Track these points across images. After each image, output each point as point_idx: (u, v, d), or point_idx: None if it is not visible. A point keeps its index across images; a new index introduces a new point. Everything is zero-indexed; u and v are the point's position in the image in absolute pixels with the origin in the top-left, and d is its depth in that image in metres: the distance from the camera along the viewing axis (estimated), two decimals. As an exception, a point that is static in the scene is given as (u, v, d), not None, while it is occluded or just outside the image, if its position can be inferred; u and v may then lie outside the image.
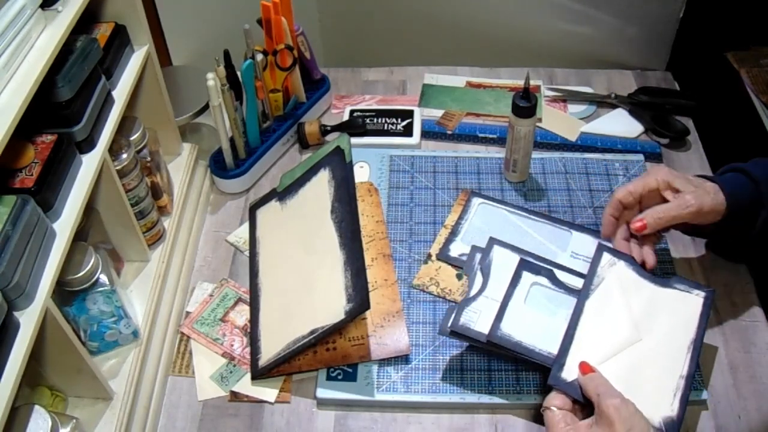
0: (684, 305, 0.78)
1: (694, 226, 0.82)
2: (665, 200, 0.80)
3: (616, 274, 0.80)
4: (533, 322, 0.77)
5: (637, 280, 0.80)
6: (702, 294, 0.79)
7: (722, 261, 0.91)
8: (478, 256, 0.83)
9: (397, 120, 1.10)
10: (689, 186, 0.79)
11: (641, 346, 0.75)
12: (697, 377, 0.78)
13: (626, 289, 0.79)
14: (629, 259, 0.81)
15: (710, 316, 0.79)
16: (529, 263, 0.81)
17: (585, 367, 0.72)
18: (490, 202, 0.97)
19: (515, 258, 0.82)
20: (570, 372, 0.73)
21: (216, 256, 0.96)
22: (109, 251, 0.83)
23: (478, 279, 0.81)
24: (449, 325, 0.76)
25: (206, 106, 1.03)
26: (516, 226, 0.93)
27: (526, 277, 0.80)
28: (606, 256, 0.81)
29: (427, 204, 0.98)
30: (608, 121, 1.11)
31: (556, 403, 0.71)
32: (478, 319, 0.77)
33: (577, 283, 0.80)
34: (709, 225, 0.80)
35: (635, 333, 0.75)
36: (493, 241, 0.84)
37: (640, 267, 0.81)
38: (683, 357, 0.74)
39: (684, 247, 0.93)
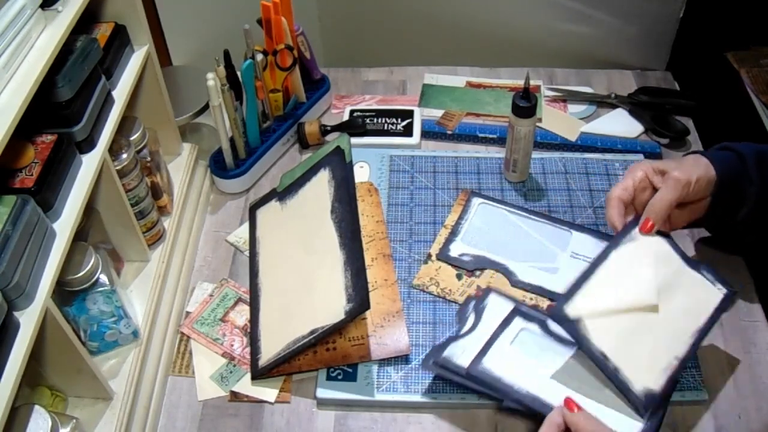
0: (704, 293, 0.77)
1: (691, 213, 0.82)
2: (655, 189, 0.81)
3: (650, 239, 0.79)
4: (517, 363, 0.75)
5: (669, 252, 0.79)
6: (724, 290, 0.78)
7: (722, 261, 0.91)
8: (473, 302, 0.83)
9: (397, 120, 1.10)
10: (672, 163, 0.80)
11: (650, 315, 0.75)
12: (697, 377, 0.78)
13: (657, 255, 0.78)
14: (667, 234, 0.81)
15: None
16: (523, 311, 0.79)
17: (571, 405, 0.69)
18: (490, 202, 0.97)
19: (510, 305, 0.81)
20: (575, 309, 0.73)
21: (216, 256, 0.96)
22: (109, 251, 0.83)
23: (470, 320, 0.80)
24: (431, 360, 0.76)
25: (206, 106, 1.03)
26: (516, 226, 0.93)
27: (518, 321, 0.78)
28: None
29: (427, 204, 0.98)
30: (608, 121, 1.11)
31: None
32: (462, 354, 0.76)
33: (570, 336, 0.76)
34: (703, 206, 0.81)
35: (654, 299, 0.75)
36: (490, 290, 0.84)
37: (676, 243, 0.80)
38: (685, 340, 0.74)
39: (684, 247, 0.92)
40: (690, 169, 0.79)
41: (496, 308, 0.81)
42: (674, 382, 0.72)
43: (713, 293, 0.78)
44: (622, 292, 0.76)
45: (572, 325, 0.73)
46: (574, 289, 0.75)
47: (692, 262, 0.79)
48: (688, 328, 0.75)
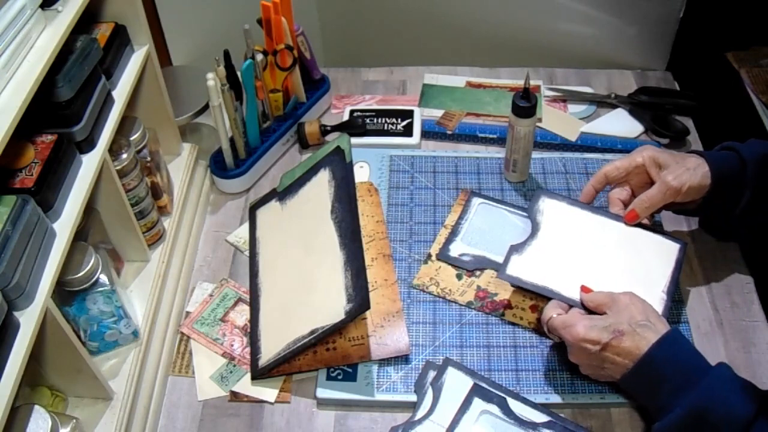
0: (663, 247, 0.85)
1: (683, 203, 0.85)
2: (650, 177, 0.85)
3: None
4: None
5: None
6: (678, 244, 0.85)
7: (722, 261, 0.91)
8: (432, 374, 0.79)
9: (397, 120, 1.10)
10: (672, 161, 0.83)
11: (621, 280, 0.81)
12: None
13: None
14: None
15: (710, 316, 0.80)
16: (482, 389, 0.77)
17: (586, 288, 0.78)
18: (490, 202, 0.97)
19: (469, 382, 0.78)
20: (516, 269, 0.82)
21: (216, 256, 0.96)
22: (109, 251, 0.83)
23: (428, 399, 0.77)
24: None
25: (206, 106, 1.03)
26: (516, 226, 0.93)
27: (477, 403, 0.76)
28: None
29: (427, 204, 0.98)
30: (608, 121, 1.11)
31: (556, 312, 0.77)
32: None
33: (530, 414, 0.75)
34: (695, 201, 0.84)
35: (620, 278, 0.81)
36: (448, 361, 0.80)
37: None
38: (658, 300, 0.79)
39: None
40: (685, 176, 0.82)
41: (455, 385, 0.78)
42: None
43: (671, 246, 0.85)
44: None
45: (576, 302, 0.78)
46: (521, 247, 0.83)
47: (641, 225, 0.86)
48: (658, 289, 0.81)
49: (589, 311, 0.76)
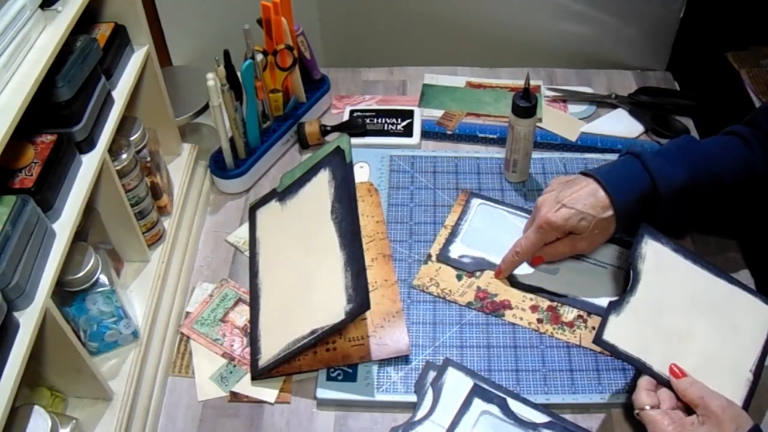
0: (755, 309, 0.78)
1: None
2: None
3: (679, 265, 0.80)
4: None
5: (705, 274, 0.80)
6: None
7: (722, 261, 0.91)
8: (432, 374, 0.79)
9: (397, 120, 1.10)
10: (582, 223, 0.82)
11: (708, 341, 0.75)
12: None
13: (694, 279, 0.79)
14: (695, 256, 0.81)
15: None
16: (482, 390, 0.77)
17: (677, 373, 0.72)
18: (490, 203, 0.97)
19: (469, 383, 0.78)
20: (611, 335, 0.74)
21: (216, 256, 0.96)
22: (109, 251, 0.83)
23: (428, 400, 0.77)
24: None
25: (206, 106, 1.03)
26: (515, 226, 0.93)
27: (477, 404, 0.76)
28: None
29: (427, 204, 0.98)
30: (608, 121, 1.11)
31: (648, 402, 0.71)
32: None
33: (530, 414, 0.75)
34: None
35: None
36: (448, 362, 0.80)
37: (709, 264, 0.81)
38: (744, 381, 0.74)
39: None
40: (595, 238, 0.84)
41: (455, 386, 0.78)
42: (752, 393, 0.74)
43: (763, 310, 0.79)
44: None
45: (666, 381, 0.72)
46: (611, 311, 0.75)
47: (732, 280, 0.80)
48: (751, 347, 0.76)
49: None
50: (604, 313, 0.75)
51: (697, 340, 0.75)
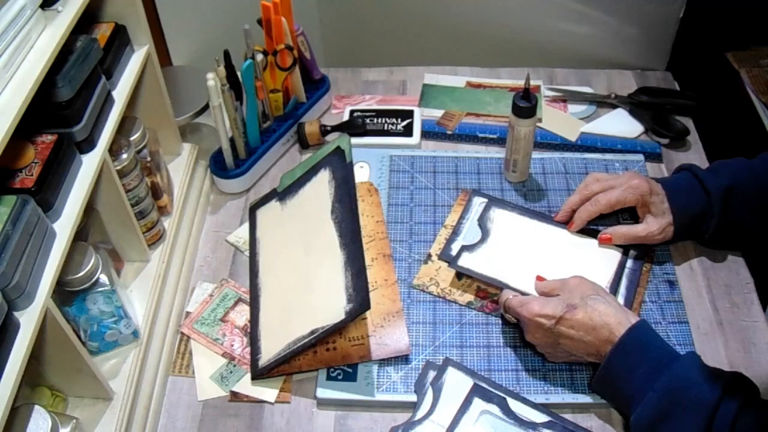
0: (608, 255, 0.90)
1: None
2: (636, 205, 0.89)
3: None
4: None
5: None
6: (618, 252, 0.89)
7: (722, 261, 0.91)
8: (432, 374, 0.79)
9: (397, 120, 1.10)
10: (660, 208, 0.87)
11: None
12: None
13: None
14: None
15: (710, 316, 0.80)
16: (482, 389, 0.77)
17: (540, 277, 0.84)
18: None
19: (469, 382, 0.78)
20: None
21: (216, 256, 0.96)
22: (109, 251, 0.83)
23: (428, 399, 0.77)
24: None
25: (206, 106, 1.03)
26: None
27: (477, 404, 0.76)
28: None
29: (427, 204, 0.98)
30: (608, 121, 1.11)
31: (512, 294, 0.81)
32: None
33: (530, 414, 0.75)
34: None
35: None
36: (448, 362, 0.80)
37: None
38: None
39: (684, 247, 0.93)
40: (667, 231, 0.87)
41: (455, 385, 0.78)
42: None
43: (613, 253, 0.90)
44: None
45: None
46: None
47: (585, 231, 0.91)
48: (600, 279, 0.85)
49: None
50: (456, 251, 0.89)
51: (556, 273, 0.84)
